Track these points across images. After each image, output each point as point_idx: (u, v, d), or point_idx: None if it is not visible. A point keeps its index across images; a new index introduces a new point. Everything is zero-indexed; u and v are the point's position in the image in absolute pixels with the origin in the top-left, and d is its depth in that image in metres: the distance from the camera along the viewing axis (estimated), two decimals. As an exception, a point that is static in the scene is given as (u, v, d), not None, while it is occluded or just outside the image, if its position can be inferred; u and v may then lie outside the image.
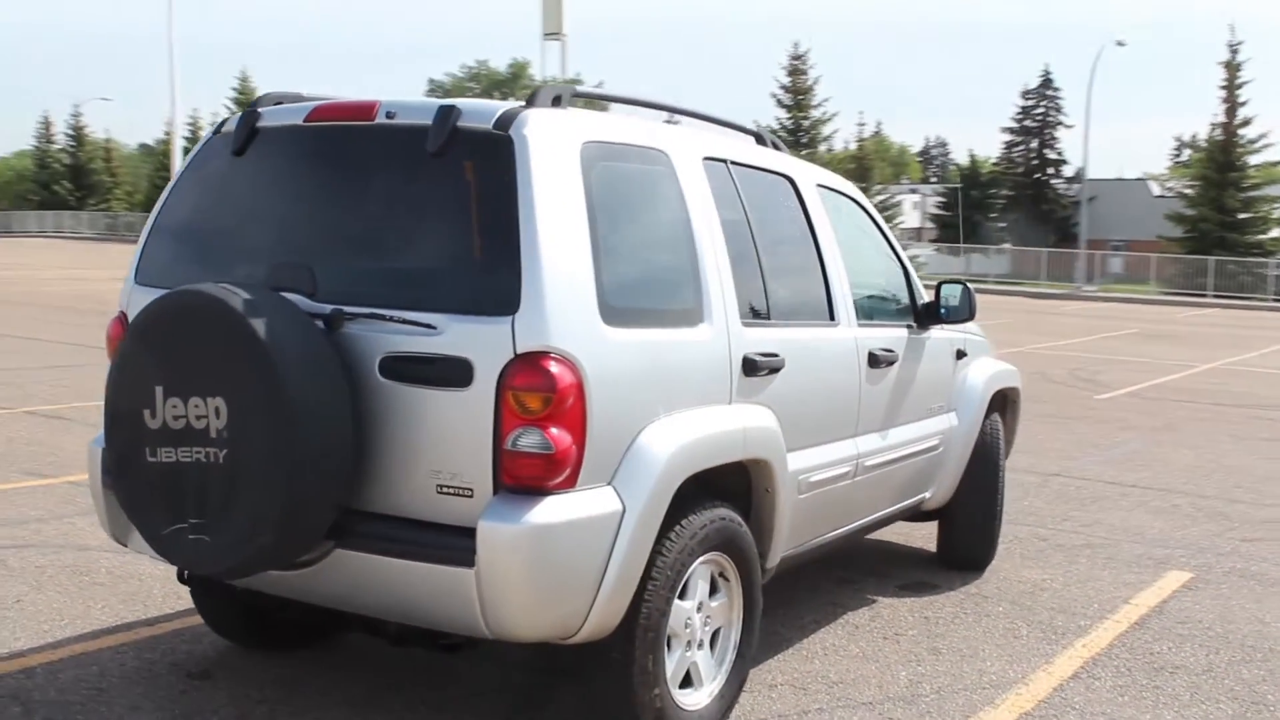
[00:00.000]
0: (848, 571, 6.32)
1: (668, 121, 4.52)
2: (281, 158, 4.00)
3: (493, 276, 3.46)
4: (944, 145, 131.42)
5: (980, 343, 6.37)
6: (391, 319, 3.55)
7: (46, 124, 76.27)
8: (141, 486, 3.62)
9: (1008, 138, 66.00)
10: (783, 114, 51.11)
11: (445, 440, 3.48)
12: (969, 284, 5.57)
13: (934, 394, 5.72)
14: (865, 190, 51.34)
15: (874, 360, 5.01)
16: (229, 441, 3.42)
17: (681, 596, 3.91)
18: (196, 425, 3.47)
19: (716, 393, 4.00)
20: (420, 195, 3.71)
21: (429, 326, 3.50)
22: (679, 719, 3.90)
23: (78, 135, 74.62)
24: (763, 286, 4.39)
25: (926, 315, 5.62)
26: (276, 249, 3.87)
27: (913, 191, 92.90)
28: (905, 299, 5.63)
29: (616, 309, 3.61)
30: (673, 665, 3.91)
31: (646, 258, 3.98)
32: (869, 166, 50.71)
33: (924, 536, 6.80)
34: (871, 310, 5.31)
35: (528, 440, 3.38)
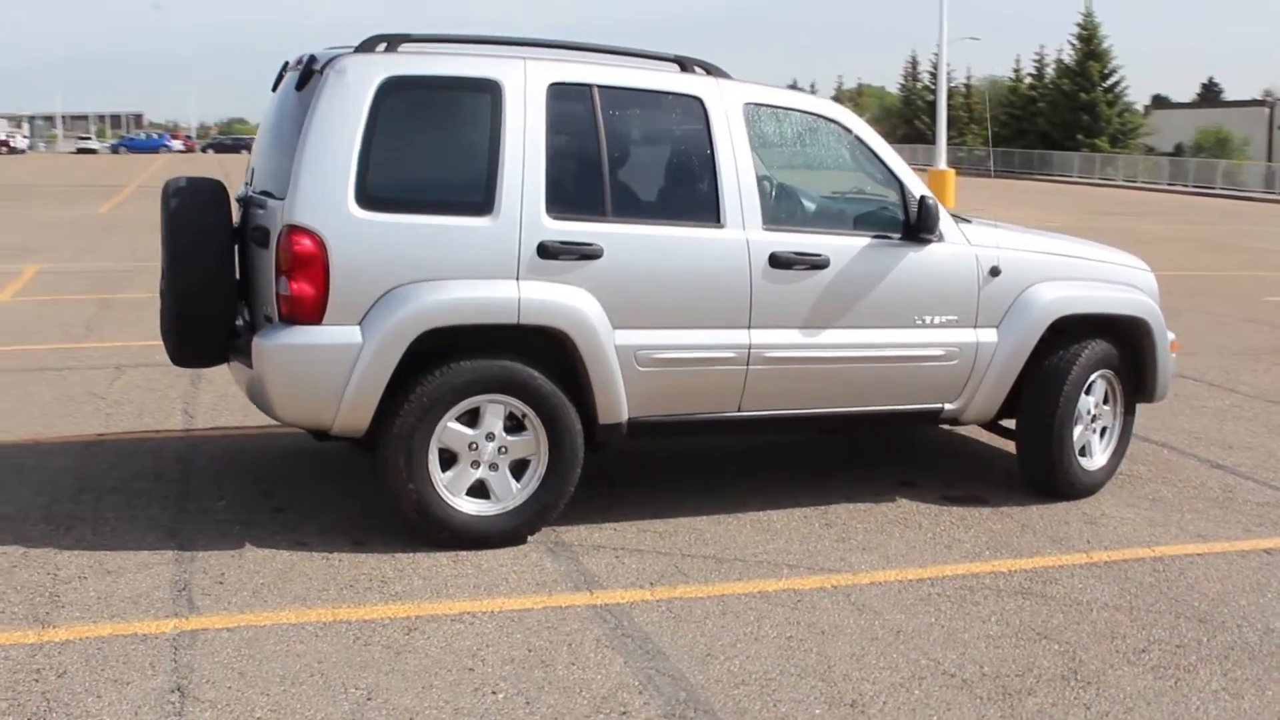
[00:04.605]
0: (917, 475, 6.56)
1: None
2: (289, 90, 5.81)
3: (288, 172, 5.01)
4: None
5: (1056, 263, 6.15)
6: (255, 201, 5.29)
7: (913, 61, 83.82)
8: (164, 308, 5.78)
9: None
10: None
11: (267, 282, 5.14)
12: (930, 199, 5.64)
13: (932, 305, 5.82)
14: None
15: (779, 261, 5.46)
16: (163, 277, 5.44)
17: (473, 425, 5.15)
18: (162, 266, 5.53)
19: (499, 269, 5.07)
20: (294, 117, 5.34)
21: (262, 207, 5.17)
22: (449, 514, 5.14)
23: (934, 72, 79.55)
24: (602, 189, 5.25)
25: (917, 229, 5.75)
26: (260, 156, 5.78)
27: None
28: (893, 213, 5.81)
29: (378, 198, 4.94)
30: (451, 474, 5.15)
31: (432, 162, 5.17)
32: None
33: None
34: (809, 218, 5.76)
35: (286, 287, 4.92)
